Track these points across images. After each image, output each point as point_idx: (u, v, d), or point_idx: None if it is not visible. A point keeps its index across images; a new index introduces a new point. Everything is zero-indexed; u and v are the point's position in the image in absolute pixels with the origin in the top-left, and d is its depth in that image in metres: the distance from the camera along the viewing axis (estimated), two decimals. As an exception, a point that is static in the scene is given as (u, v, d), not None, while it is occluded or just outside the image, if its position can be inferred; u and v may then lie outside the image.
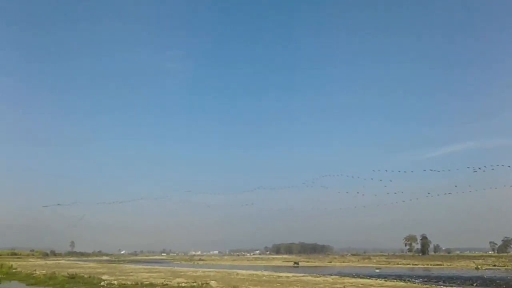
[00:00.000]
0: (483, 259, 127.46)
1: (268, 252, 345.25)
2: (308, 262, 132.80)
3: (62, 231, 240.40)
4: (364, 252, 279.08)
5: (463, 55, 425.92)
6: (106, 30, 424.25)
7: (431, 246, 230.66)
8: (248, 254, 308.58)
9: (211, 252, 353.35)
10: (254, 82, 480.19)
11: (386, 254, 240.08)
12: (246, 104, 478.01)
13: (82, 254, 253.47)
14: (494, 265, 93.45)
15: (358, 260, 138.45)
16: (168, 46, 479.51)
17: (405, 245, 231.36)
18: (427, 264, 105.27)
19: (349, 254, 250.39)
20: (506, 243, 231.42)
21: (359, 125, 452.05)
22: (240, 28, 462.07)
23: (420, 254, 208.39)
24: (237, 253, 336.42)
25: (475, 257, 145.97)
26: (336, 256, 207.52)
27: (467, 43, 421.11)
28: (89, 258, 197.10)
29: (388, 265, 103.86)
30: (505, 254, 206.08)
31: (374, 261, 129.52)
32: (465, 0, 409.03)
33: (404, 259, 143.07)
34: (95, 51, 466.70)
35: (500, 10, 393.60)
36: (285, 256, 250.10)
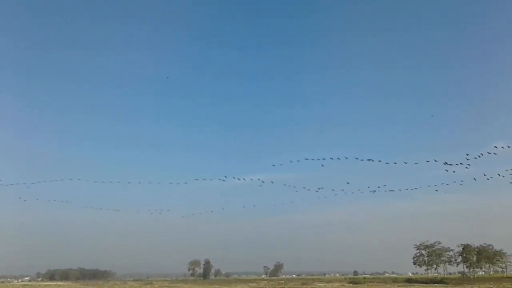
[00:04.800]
0: (257, 282, 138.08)
1: (40, 279, 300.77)
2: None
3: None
4: (147, 277, 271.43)
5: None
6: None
7: (213, 270, 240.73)
8: (16, 281, 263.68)
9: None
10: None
11: (169, 279, 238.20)
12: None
13: None
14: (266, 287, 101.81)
15: (140, 286, 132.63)
16: None
17: (189, 270, 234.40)
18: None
19: (131, 279, 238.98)
20: (277, 268, 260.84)
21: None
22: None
23: (202, 278, 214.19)
24: (1, 280, 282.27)
25: (249, 281, 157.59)
26: (118, 282, 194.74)
27: None
28: None
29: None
30: (275, 277, 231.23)
31: (156, 286, 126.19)
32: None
33: (186, 283, 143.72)
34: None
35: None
36: (59, 283, 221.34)
